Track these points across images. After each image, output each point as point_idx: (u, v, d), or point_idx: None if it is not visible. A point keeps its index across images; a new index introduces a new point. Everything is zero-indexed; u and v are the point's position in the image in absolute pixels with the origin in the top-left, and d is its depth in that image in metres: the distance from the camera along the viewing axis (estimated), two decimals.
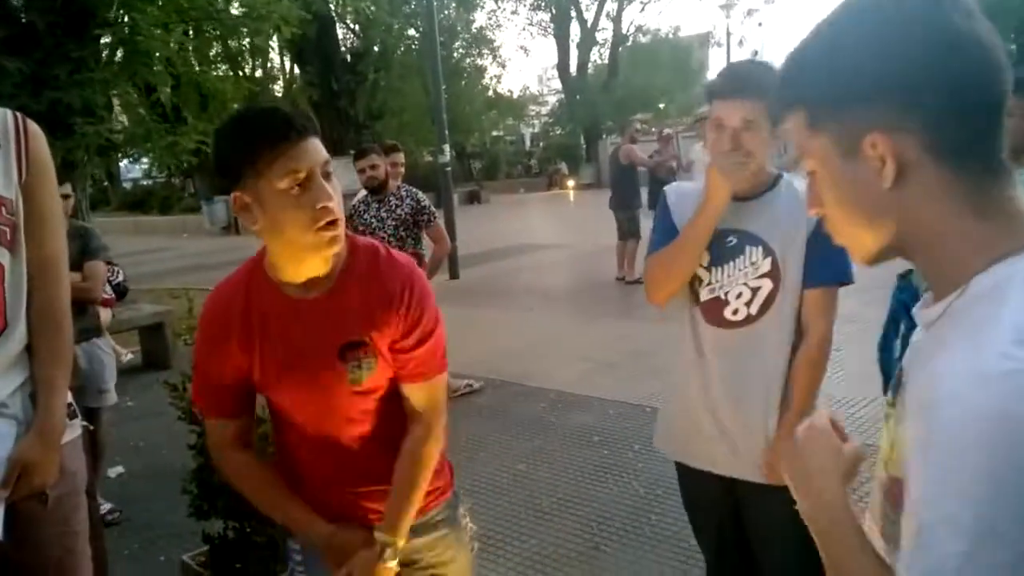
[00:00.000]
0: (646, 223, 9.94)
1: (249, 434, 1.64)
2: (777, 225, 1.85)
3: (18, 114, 1.60)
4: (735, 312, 1.87)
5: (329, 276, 1.47)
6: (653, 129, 29.08)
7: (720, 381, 1.90)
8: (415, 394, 1.55)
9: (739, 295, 1.87)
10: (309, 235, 1.36)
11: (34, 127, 1.62)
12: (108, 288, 6.21)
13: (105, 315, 6.12)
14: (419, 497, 1.56)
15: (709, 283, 1.90)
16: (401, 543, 1.55)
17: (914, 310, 0.90)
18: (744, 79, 1.77)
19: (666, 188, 2.07)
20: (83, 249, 3.64)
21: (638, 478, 3.94)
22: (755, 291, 1.85)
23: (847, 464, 0.97)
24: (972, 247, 0.78)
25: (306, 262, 1.42)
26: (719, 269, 1.88)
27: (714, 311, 1.90)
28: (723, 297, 1.88)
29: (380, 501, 1.57)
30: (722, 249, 1.87)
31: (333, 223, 1.37)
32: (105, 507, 3.82)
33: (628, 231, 9.45)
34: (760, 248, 1.85)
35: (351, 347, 1.47)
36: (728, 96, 1.76)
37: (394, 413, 1.57)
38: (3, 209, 1.54)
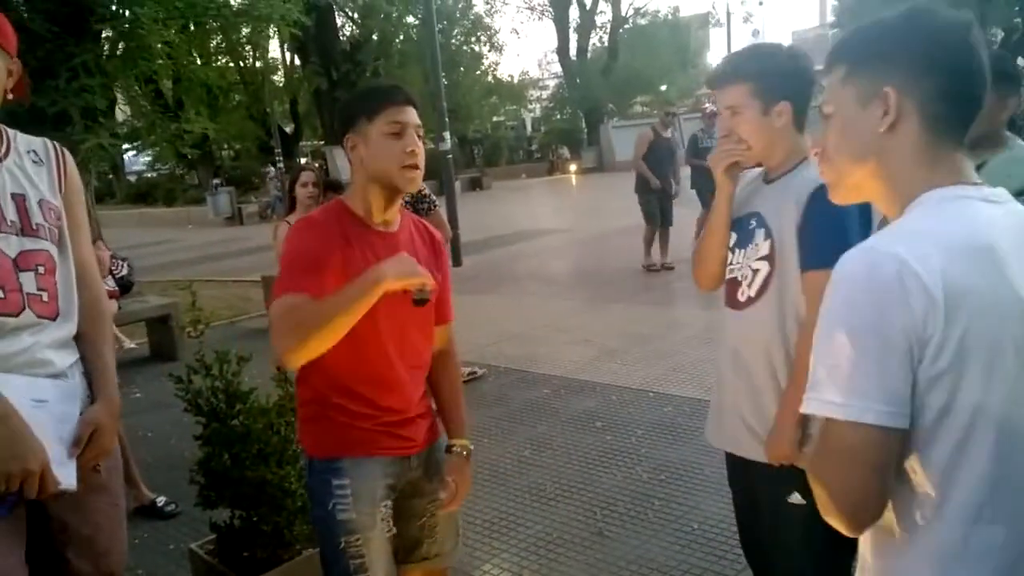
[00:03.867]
0: (680, 211, 9.42)
1: None
2: (781, 207, 1.84)
3: (54, 142, 1.89)
4: (742, 293, 1.92)
5: (396, 221, 1.90)
6: (655, 112, 29.07)
7: (732, 362, 1.95)
8: (443, 334, 2.06)
9: (746, 276, 1.91)
10: (396, 170, 1.77)
11: (67, 153, 1.91)
12: (111, 281, 6.28)
13: (111, 306, 6.20)
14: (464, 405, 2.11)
15: (730, 264, 1.96)
16: (468, 441, 2.05)
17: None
18: (725, 67, 1.87)
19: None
20: None
21: (641, 464, 3.98)
22: (755, 272, 1.89)
23: None
24: (919, 189, 1.05)
25: (389, 195, 1.83)
26: (740, 251, 1.93)
27: (731, 293, 1.96)
28: (739, 279, 1.93)
29: (418, 418, 1.95)
30: (744, 232, 1.93)
31: (415, 166, 1.79)
32: (161, 500, 3.89)
33: (644, 216, 8.95)
34: (763, 230, 1.87)
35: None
36: (715, 87, 1.87)
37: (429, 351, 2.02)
38: (52, 213, 1.78)
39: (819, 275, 1.72)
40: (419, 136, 1.81)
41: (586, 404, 4.91)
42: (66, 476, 1.63)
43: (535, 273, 9.91)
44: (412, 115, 1.80)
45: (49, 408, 1.66)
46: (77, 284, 1.83)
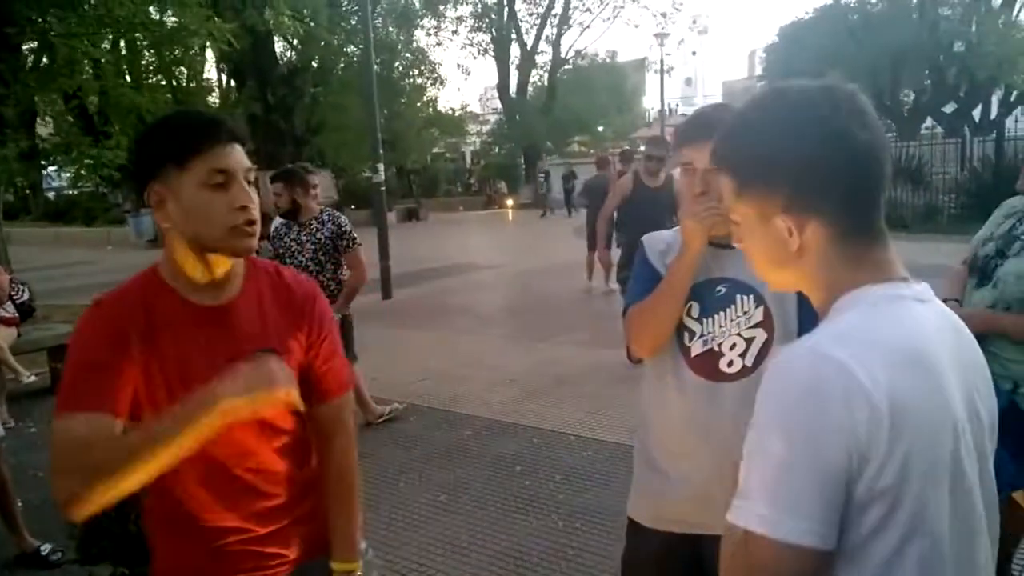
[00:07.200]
0: None
1: None
2: None
3: None
4: (730, 364, 1.80)
5: (232, 282, 1.45)
6: (591, 152, 29.70)
7: (715, 434, 1.78)
8: (332, 411, 1.58)
9: (733, 346, 1.80)
10: (224, 233, 1.35)
11: None
12: (11, 307, 5.94)
13: (8, 334, 5.85)
14: (358, 513, 1.60)
15: (701, 335, 1.82)
16: (359, 565, 1.56)
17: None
18: (712, 123, 1.71)
19: (644, 239, 1.99)
20: None
21: (558, 510, 3.90)
22: (749, 341, 1.79)
23: None
24: (845, 288, 1.01)
25: (212, 261, 1.40)
26: (710, 320, 1.81)
27: (708, 363, 1.82)
28: (717, 348, 1.81)
29: (280, 544, 1.52)
30: (712, 299, 1.81)
31: (250, 223, 1.37)
32: (46, 548, 3.59)
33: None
34: (751, 296, 1.79)
35: (265, 354, 1.37)
36: (696, 140, 1.73)
37: (295, 444, 1.54)
38: None
39: None
40: (250, 182, 1.39)
41: (507, 447, 4.82)
42: None
43: (465, 309, 9.82)
44: (239, 157, 1.38)
45: None
46: None
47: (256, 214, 1.39)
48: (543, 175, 27.67)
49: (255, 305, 1.48)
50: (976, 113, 25.16)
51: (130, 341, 1.34)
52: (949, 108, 25.47)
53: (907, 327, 0.96)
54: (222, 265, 1.43)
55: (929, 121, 26.68)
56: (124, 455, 1.22)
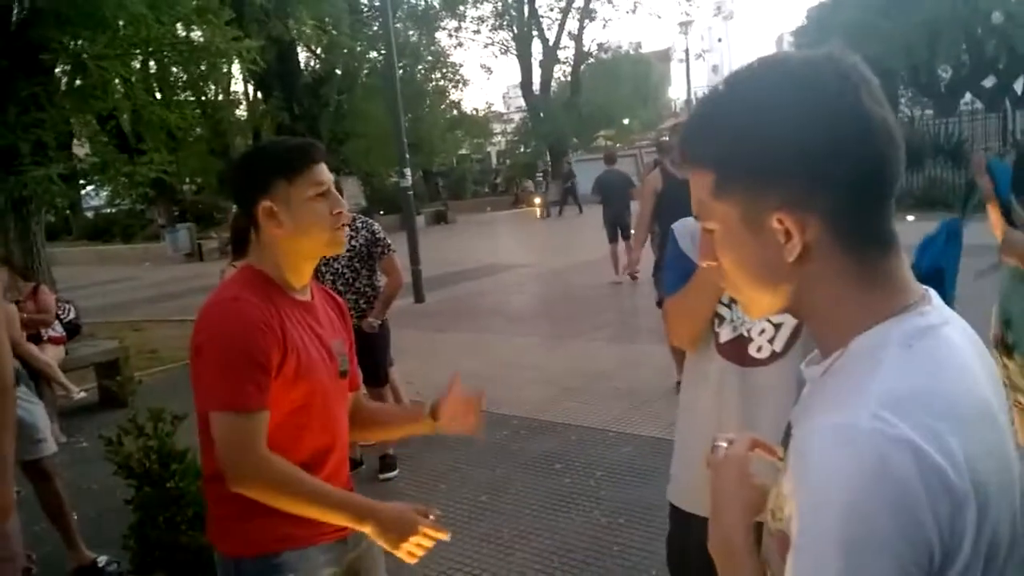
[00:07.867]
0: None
1: None
2: None
3: None
4: (759, 349, 1.78)
5: (308, 286, 1.78)
6: (617, 145, 29.62)
7: (745, 422, 1.75)
8: (359, 399, 1.96)
9: (762, 331, 1.78)
10: (328, 233, 1.66)
11: None
12: (58, 326, 6.11)
13: (57, 352, 6.01)
14: None
15: (731, 320, 1.81)
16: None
17: (801, 367, 0.93)
18: None
19: (674, 227, 1.98)
20: None
21: (600, 507, 3.92)
22: (778, 327, 1.76)
23: (755, 500, 0.95)
24: (856, 314, 0.82)
25: (311, 262, 1.75)
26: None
27: (737, 349, 1.80)
28: (746, 334, 1.79)
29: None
30: None
31: (344, 227, 1.70)
32: (102, 559, 3.67)
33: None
34: None
35: (339, 342, 1.82)
36: None
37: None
38: None
39: None
40: (339, 190, 1.73)
41: (546, 445, 4.85)
42: None
43: (497, 309, 9.86)
44: (328, 172, 1.71)
45: None
46: None
47: (347, 215, 1.70)
48: (541, 175, 27.79)
49: (322, 305, 1.83)
50: (1018, 86, 24.52)
51: (276, 333, 1.60)
52: (989, 82, 24.83)
53: (957, 369, 0.79)
54: (308, 272, 1.75)
55: (968, 96, 26.08)
56: (296, 493, 1.58)
